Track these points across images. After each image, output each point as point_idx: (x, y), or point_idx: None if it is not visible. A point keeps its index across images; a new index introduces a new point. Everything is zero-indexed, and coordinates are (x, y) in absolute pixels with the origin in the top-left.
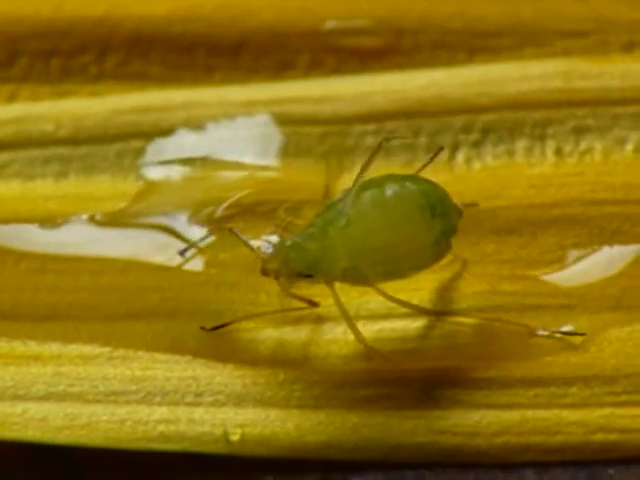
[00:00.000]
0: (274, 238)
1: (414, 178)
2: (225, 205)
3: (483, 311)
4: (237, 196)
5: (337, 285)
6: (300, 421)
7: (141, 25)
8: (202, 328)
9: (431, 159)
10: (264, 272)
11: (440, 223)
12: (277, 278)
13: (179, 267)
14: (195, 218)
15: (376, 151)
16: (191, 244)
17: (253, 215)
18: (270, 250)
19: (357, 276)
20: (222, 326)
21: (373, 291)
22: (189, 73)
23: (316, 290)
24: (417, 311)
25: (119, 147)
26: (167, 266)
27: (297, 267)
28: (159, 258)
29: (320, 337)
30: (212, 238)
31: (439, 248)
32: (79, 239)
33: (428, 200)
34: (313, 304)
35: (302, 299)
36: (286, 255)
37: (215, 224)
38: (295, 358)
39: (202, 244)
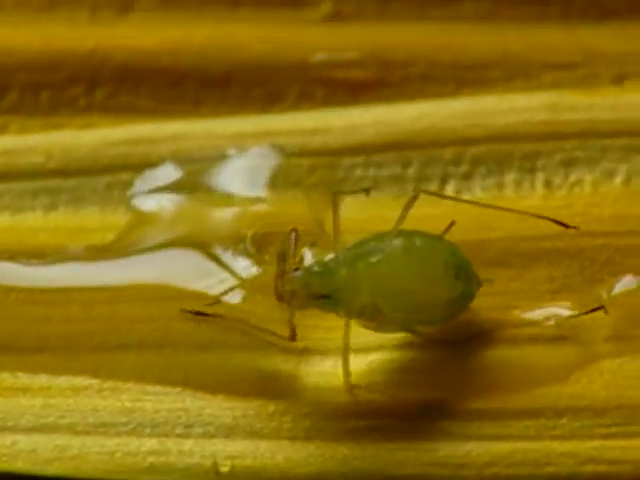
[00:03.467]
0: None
1: (441, 239)
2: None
3: (474, 342)
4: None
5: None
6: (290, 453)
7: (130, 58)
8: (183, 310)
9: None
10: (279, 293)
11: (461, 285)
12: (289, 302)
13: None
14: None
15: (413, 199)
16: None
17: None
18: (296, 273)
19: (375, 316)
20: (203, 314)
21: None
22: (178, 105)
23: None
24: (425, 339)
25: (108, 179)
26: (158, 296)
27: (319, 290)
28: (150, 288)
29: (309, 369)
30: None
31: (454, 310)
32: (69, 271)
33: (455, 261)
34: (292, 338)
35: (292, 330)
36: (308, 279)
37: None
38: (285, 389)
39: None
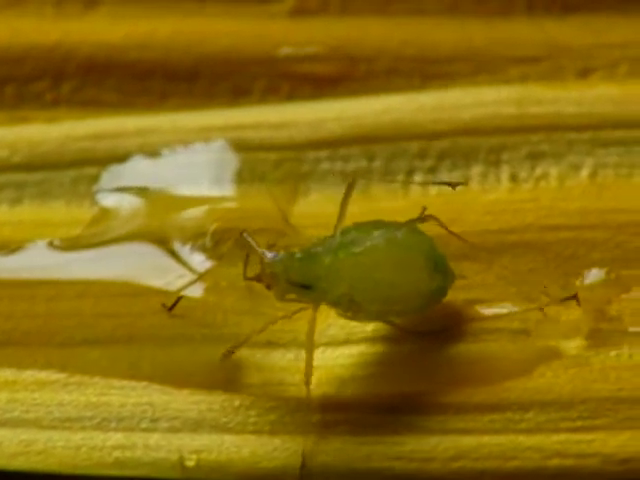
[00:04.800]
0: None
1: (421, 232)
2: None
3: (438, 336)
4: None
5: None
6: (255, 447)
7: (96, 52)
8: (163, 305)
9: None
10: (259, 277)
11: (439, 279)
12: (269, 287)
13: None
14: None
15: (350, 187)
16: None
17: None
18: (275, 257)
19: (351, 306)
20: (176, 302)
21: (335, 316)
22: (144, 99)
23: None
24: (403, 332)
25: (74, 173)
26: (124, 292)
27: (297, 278)
28: (116, 284)
29: (274, 363)
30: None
31: (430, 302)
32: (34, 265)
33: (434, 254)
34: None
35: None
36: (290, 265)
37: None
38: (250, 384)
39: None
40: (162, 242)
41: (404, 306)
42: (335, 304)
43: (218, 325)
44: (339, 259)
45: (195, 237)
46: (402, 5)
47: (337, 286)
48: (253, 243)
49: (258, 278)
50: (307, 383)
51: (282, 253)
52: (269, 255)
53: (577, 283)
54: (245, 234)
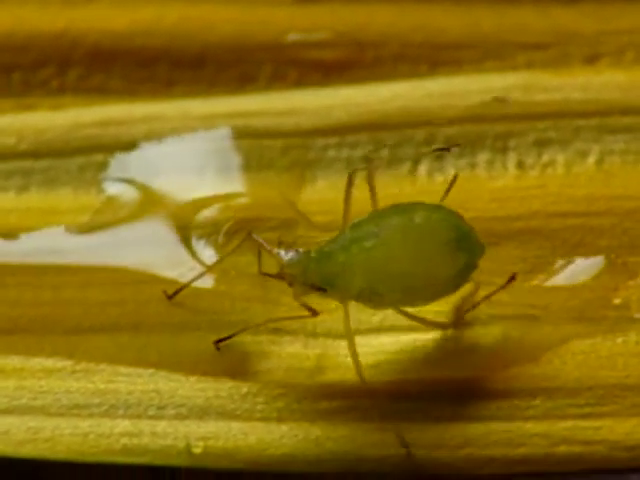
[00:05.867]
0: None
1: (442, 209)
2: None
3: (445, 323)
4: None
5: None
6: (262, 434)
7: (102, 39)
8: (164, 292)
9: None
10: (280, 276)
11: (464, 257)
12: (291, 284)
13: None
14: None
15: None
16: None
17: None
18: (292, 256)
19: (373, 298)
20: (179, 291)
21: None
22: (150, 86)
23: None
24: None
25: (81, 160)
26: (130, 279)
27: (314, 279)
28: (124, 271)
29: (281, 350)
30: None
31: (459, 281)
32: (41, 253)
33: (455, 233)
34: (315, 313)
35: (309, 308)
36: (306, 265)
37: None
38: (257, 371)
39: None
40: (168, 230)
41: (431, 292)
42: (357, 298)
43: (226, 312)
44: (353, 255)
45: (206, 224)
46: None
47: (355, 282)
48: (263, 243)
49: (279, 276)
50: (359, 375)
51: (298, 253)
52: (285, 255)
53: (583, 270)
54: (255, 235)
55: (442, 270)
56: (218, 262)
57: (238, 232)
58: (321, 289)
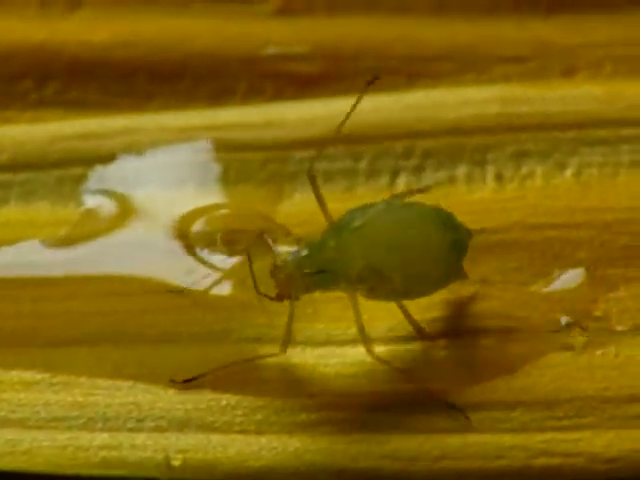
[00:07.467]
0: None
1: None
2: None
3: (423, 335)
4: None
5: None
6: (242, 446)
7: (80, 52)
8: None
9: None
10: (279, 297)
11: (451, 233)
12: (289, 297)
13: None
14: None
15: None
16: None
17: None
18: (283, 256)
19: (373, 277)
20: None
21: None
22: (128, 99)
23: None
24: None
25: (59, 173)
26: (110, 291)
27: (312, 266)
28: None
29: (260, 362)
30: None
31: (451, 262)
32: (19, 265)
33: (438, 214)
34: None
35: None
36: (300, 259)
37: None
38: (236, 383)
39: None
40: (148, 242)
41: (427, 269)
42: (358, 281)
43: (207, 323)
44: (344, 238)
45: (181, 237)
46: (388, 3)
47: (353, 262)
48: (272, 245)
49: (278, 297)
50: (370, 354)
51: (288, 253)
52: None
53: (561, 282)
54: (265, 235)
55: (432, 242)
56: (233, 268)
57: (214, 240)
58: (322, 272)
